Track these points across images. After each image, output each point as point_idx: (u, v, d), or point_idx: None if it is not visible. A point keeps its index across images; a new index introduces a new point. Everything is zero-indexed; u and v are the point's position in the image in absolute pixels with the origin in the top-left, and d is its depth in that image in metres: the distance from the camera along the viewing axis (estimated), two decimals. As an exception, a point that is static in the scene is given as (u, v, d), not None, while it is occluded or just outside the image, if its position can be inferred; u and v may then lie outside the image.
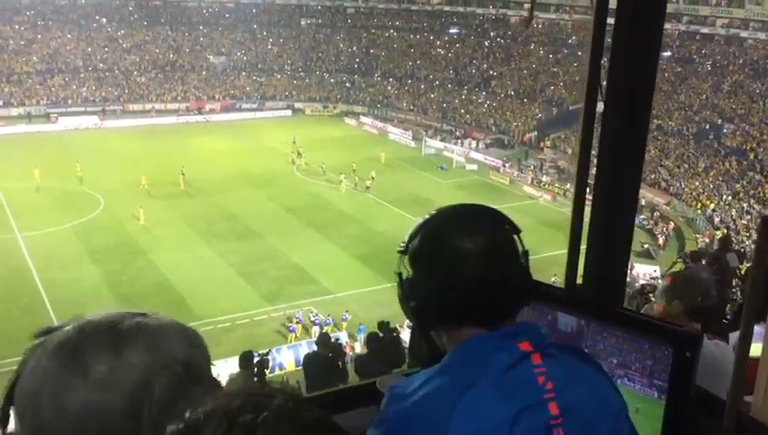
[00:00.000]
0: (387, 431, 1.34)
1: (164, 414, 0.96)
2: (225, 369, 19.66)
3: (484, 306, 1.41)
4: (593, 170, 2.69)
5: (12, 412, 1.01)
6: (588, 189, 2.78)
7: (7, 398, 1.01)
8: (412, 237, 1.50)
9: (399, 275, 1.52)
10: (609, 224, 2.64)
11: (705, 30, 57.37)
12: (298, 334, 23.82)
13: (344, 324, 24.22)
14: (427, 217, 1.54)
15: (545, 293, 1.96)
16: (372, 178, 40.71)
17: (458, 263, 1.40)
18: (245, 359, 8.14)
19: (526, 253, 1.47)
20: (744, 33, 55.24)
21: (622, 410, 1.41)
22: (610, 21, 2.54)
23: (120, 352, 1.00)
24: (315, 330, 23.23)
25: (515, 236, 1.47)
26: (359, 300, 26.37)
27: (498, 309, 1.42)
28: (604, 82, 2.59)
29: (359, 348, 20.72)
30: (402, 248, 1.52)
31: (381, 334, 9.68)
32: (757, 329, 1.93)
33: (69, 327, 1.04)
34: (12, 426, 1.02)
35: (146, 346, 1.02)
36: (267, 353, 8.50)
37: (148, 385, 0.99)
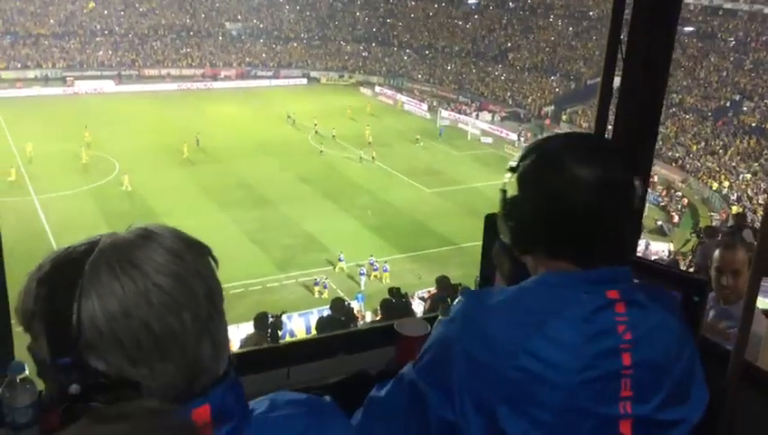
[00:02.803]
0: (458, 330, 1.33)
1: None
2: (237, 334, 20.02)
3: (586, 241, 1.36)
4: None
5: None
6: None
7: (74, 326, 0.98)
8: (525, 156, 1.43)
9: (504, 191, 1.45)
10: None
11: (728, 5, 56.34)
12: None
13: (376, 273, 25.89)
14: (543, 138, 1.48)
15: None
16: (370, 143, 40.89)
17: (571, 190, 1.33)
18: (260, 320, 8.27)
19: (642, 200, 1.42)
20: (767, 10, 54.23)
21: (693, 361, 1.41)
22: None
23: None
24: (362, 279, 25.34)
25: (635, 181, 1.39)
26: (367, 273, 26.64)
27: (599, 248, 1.37)
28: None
29: (369, 317, 20.93)
30: (513, 166, 1.44)
31: (393, 301, 9.78)
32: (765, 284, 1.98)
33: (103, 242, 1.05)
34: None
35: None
36: (281, 315, 8.62)
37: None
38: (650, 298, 1.39)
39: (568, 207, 1.33)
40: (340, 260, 26.44)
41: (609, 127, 2.72)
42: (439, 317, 1.42)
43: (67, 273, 1.01)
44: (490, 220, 2.06)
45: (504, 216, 1.45)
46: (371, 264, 26.26)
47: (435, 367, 1.36)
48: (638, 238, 1.44)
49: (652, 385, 1.33)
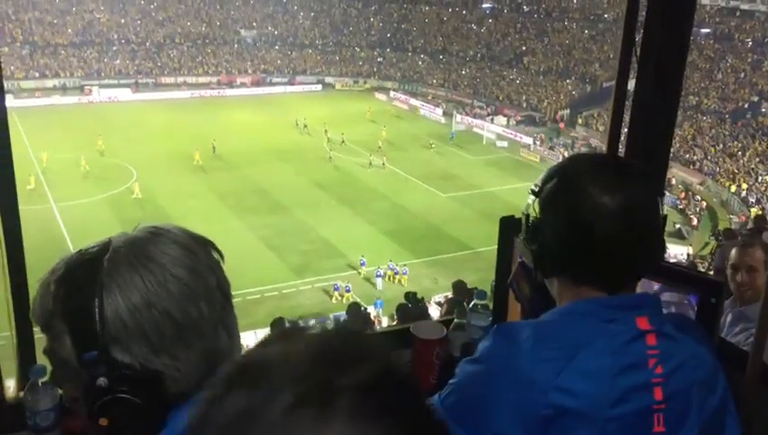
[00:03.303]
0: (487, 371, 1.32)
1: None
2: (253, 339, 20.09)
3: (610, 267, 1.33)
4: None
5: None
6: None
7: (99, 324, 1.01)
8: (547, 179, 1.40)
9: (527, 215, 1.43)
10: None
11: (745, 6, 55.85)
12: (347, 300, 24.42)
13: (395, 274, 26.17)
14: (566, 160, 1.46)
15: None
16: (380, 148, 41.11)
17: (593, 217, 1.30)
18: (277, 325, 8.30)
19: (665, 217, 1.40)
20: (786, 10, 53.75)
21: (726, 393, 1.39)
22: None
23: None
24: (378, 281, 25.70)
25: (658, 199, 1.37)
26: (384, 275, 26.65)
27: (623, 273, 1.35)
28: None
29: (385, 322, 20.95)
30: (536, 189, 1.42)
31: (410, 305, 9.78)
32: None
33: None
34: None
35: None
36: (297, 320, 8.64)
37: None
38: (680, 329, 1.37)
39: (590, 234, 1.31)
40: (362, 265, 26.56)
41: (624, 130, 2.72)
42: (464, 359, 1.41)
43: (85, 271, 1.04)
44: (505, 223, 2.06)
45: (526, 239, 1.44)
46: (391, 268, 26.35)
47: (465, 406, 1.35)
48: (663, 256, 1.42)
49: (685, 420, 1.32)
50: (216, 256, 1.15)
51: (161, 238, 1.09)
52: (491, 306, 2.16)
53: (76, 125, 44.67)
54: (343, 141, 43.35)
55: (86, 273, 1.04)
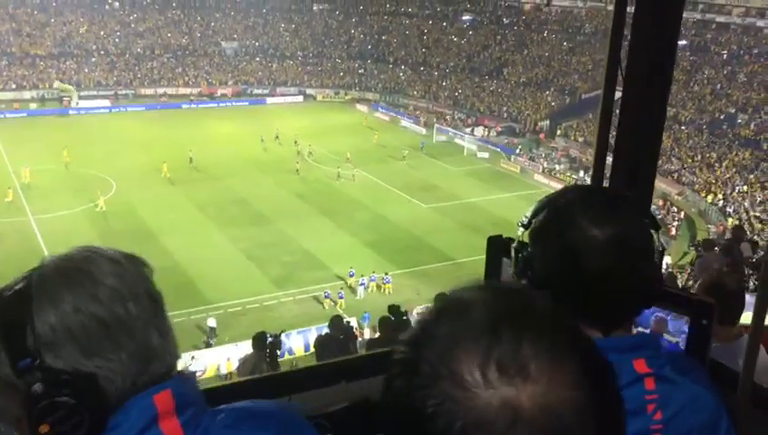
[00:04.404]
0: None
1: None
2: (235, 353, 19.92)
3: (601, 303, 1.27)
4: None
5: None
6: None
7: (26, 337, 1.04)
8: (537, 212, 1.35)
9: (516, 248, 1.38)
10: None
11: (720, 19, 56.81)
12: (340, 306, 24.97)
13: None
14: (557, 193, 1.40)
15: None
16: (348, 160, 41.29)
17: (583, 250, 1.25)
18: (259, 340, 8.21)
19: (662, 251, 1.33)
20: (760, 23, 54.69)
21: (729, 434, 1.32)
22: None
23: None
24: (360, 290, 26.17)
25: (652, 232, 1.31)
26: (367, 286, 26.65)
27: (616, 309, 1.29)
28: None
29: (367, 334, 20.88)
30: (524, 221, 1.37)
31: (393, 318, 9.73)
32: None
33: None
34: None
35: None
36: (280, 335, 8.56)
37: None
38: (679, 371, 1.31)
39: (581, 268, 1.26)
40: (350, 275, 26.75)
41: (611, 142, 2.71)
42: None
43: (16, 288, 1.08)
44: (493, 242, 2.03)
45: (516, 273, 1.39)
46: (373, 280, 26.71)
47: None
48: (660, 291, 1.37)
49: None
50: (146, 270, 1.17)
51: (91, 254, 1.13)
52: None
53: (54, 137, 44.17)
54: (311, 153, 43.23)
55: (17, 289, 1.08)
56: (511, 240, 1.96)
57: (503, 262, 2.00)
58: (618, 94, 2.60)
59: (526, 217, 1.37)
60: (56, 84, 57.87)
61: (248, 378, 3.39)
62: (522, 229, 1.37)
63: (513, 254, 1.40)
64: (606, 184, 2.74)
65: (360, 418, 1.91)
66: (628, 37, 2.52)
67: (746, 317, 1.98)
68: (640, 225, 1.31)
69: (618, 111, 2.63)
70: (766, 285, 1.83)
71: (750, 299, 3.48)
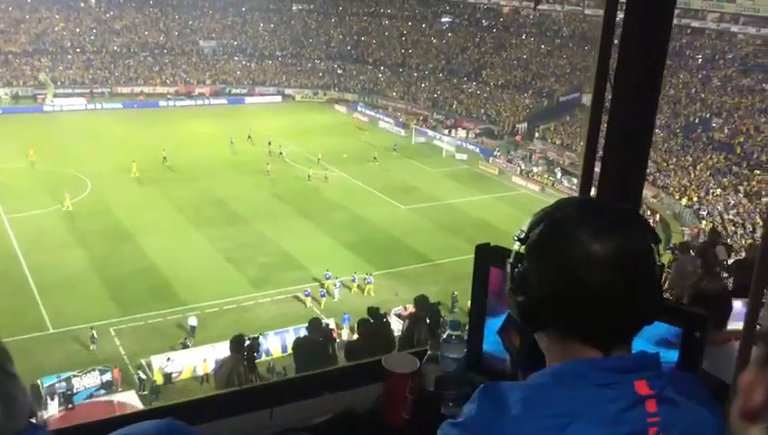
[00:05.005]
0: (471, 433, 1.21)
1: None
2: (213, 354, 19.75)
3: (601, 321, 1.23)
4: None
5: None
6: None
7: None
8: (534, 225, 1.29)
9: (512, 264, 1.32)
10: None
11: (696, 24, 57.50)
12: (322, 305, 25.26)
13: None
14: (554, 205, 1.33)
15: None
16: (319, 160, 41.43)
17: (582, 266, 1.20)
18: (236, 342, 8.10)
19: (662, 267, 1.28)
20: (734, 28, 55.43)
21: None
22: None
23: None
24: (336, 292, 26.23)
25: (653, 246, 1.27)
26: (346, 286, 26.57)
27: (616, 327, 1.25)
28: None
29: (345, 335, 20.82)
30: (521, 236, 1.31)
31: (372, 320, 9.68)
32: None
33: None
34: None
35: None
36: (258, 338, 8.46)
37: None
38: (682, 392, 1.26)
39: (579, 286, 1.21)
40: (326, 278, 26.61)
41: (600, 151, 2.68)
42: (447, 420, 1.26)
43: None
44: (481, 250, 1.99)
45: (512, 290, 1.33)
46: (354, 281, 26.74)
47: None
48: (660, 308, 1.31)
49: None
50: None
51: None
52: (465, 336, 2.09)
53: (28, 135, 43.49)
54: (281, 153, 43.06)
55: None
56: (499, 248, 1.92)
57: (490, 270, 1.96)
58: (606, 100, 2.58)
59: (523, 230, 1.31)
60: (41, 76, 57.08)
61: (229, 390, 3.33)
62: (517, 244, 1.31)
63: (508, 269, 1.33)
64: (593, 193, 2.71)
65: (344, 429, 1.85)
66: (617, 44, 2.50)
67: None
68: (642, 239, 1.26)
69: (606, 120, 2.61)
70: (756, 295, 1.81)
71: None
